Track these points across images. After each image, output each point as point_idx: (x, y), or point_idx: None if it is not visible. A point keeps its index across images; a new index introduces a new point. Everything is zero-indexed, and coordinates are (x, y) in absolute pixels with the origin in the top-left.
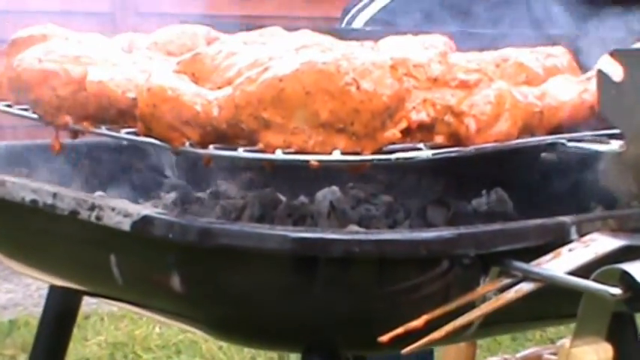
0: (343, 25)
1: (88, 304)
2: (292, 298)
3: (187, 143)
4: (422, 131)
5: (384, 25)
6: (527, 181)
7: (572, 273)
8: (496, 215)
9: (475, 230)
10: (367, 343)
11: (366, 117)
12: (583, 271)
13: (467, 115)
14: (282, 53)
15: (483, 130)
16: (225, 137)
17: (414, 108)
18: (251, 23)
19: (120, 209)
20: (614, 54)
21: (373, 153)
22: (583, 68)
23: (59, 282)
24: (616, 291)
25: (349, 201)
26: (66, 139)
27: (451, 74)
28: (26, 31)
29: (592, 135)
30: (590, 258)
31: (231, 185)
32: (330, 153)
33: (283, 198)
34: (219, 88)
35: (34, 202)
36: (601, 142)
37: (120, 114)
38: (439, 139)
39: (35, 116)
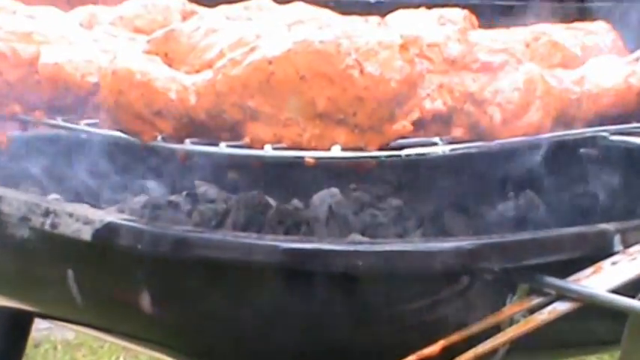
0: None
1: (38, 329)
2: (284, 320)
3: (160, 137)
4: (437, 123)
5: None
6: (563, 181)
7: (616, 291)
8: (525, 222)
9: (500, 240)
10: None
11: (371, 106)
12: (629, 289)
13: (490, 104)
14: (271, 30)
15: (510, 122)
16: (205, 130)
17: (428, 95)
18: None
19: (79, 215)
20: None
21: (379, 149)
22: (629, 48)
23: (5, 301)
24: None
25: (351, 205)
26: (14, 132)
27: (472, 55)
28: None
29: None
30: (638, 273)
31: (211, 187)
32: (329, 149)
33: (273, 202)
34: (197, 71)
35: None
36: None
37: (79, 102)
38: (457, 132)
39: None
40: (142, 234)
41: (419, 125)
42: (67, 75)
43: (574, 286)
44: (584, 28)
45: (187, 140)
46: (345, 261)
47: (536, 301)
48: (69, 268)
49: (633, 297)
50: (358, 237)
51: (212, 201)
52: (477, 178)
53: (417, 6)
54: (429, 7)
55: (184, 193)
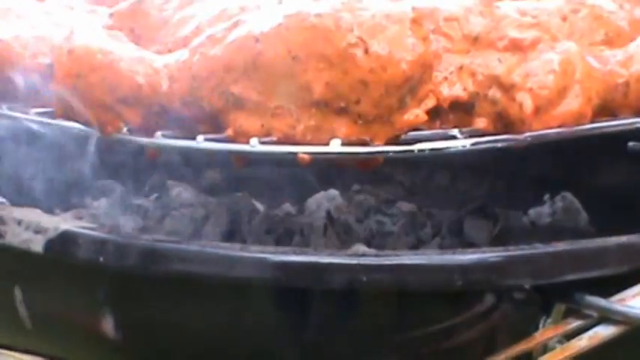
0: None
1: None
2: (275, 345)
3: (125, 129)
4: (457, 112)
5: None
6: (608, 182)
7: None
8: (563, 231)
9: (532, 252)
10: None
11: (378, 92)
12: None
13: (520, 90)
14: (259, 2)
15: (544, 110)
16: (179, 121)
17: (445, 79)
18: None
19: (29, 222)
20: None
21: (387, 143)
22: None
23: None
24: None
25: (354, 210)
26: None
27: (498, 31)
28: None
29: None
30: None
31: (187, 188)
32: (327, 143)
33: (261, 206)
34: (169, 51)
35: None
36: None
37: (28, 87)
38: (481, 122)
39: None
40: (104, 245)
41: (434, 115)
42: (14, 55)
43: (619, 307)
44: None
45: (158, 133)
46: (347, 277)
47: (575, 324)
48: (16, 285)
49: None
50: (362, 248)
51: (187, 205)
52: (503, 177)
53: None
54: None
55: (154, 195)
